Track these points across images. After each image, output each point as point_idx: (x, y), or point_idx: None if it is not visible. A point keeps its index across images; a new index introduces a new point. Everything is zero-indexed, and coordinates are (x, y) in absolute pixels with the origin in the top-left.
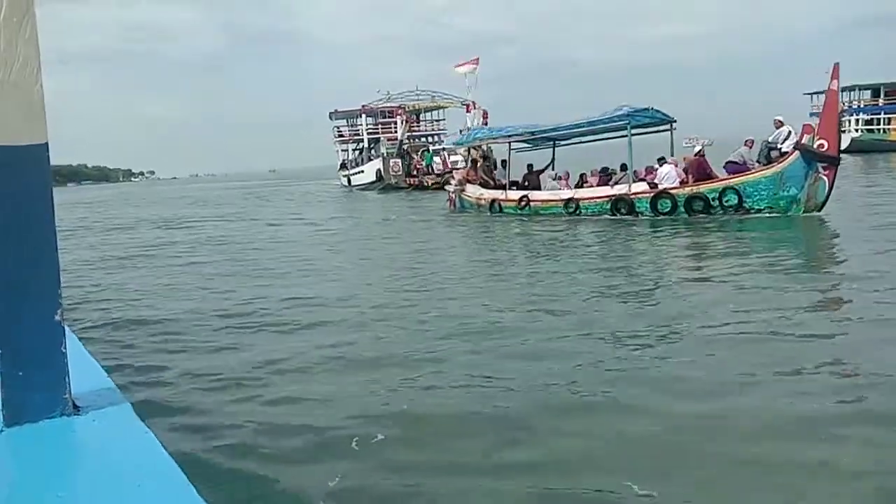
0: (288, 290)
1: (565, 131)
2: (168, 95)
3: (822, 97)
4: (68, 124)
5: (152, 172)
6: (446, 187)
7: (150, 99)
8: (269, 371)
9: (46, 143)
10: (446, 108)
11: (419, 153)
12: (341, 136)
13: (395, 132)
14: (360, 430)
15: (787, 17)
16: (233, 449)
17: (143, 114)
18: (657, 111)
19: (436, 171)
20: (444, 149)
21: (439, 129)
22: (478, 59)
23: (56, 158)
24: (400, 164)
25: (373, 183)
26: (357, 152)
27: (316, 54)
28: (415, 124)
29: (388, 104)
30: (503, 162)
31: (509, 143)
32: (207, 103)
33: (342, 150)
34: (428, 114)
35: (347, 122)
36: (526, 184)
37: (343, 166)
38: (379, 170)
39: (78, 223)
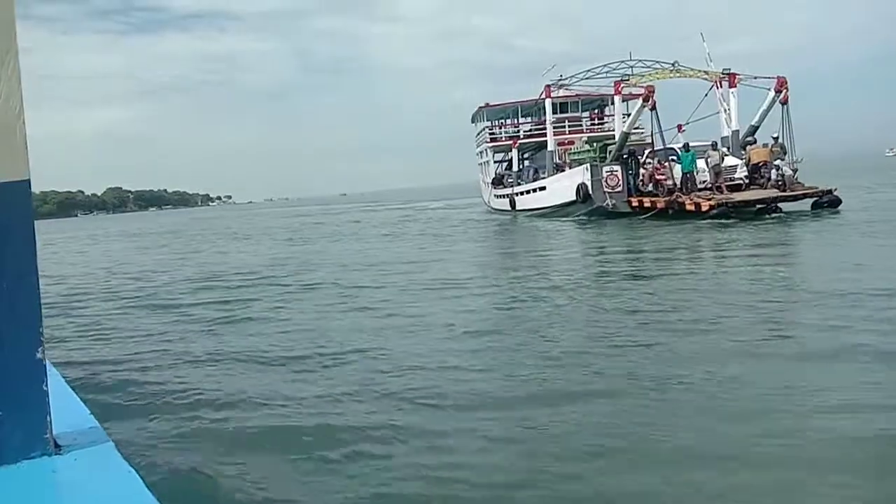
0: None
1: None
2: (243, 122)
3: None
4: (150, 152)
5: (229, 197)
6: None
7: (227, 126)
8: None
9: (28, 181)
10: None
11: (655, 157)
12: (494, 139)
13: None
14: None
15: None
16: None
17: (220, 140)
18: None
19: (700, 184)
20: (713, 145)
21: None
22: None
23: (137, 184)
24: (619, 176)
25: (565, 206)
26: (505, 164)
27: (384, 80)
28: (597, 119)
29: (584, 86)
30: None
31: None
32: (279, 129)
33: (495, 161)
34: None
35: (494, 121)
36: None
37: (498, 181)
38: (582, 185)
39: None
